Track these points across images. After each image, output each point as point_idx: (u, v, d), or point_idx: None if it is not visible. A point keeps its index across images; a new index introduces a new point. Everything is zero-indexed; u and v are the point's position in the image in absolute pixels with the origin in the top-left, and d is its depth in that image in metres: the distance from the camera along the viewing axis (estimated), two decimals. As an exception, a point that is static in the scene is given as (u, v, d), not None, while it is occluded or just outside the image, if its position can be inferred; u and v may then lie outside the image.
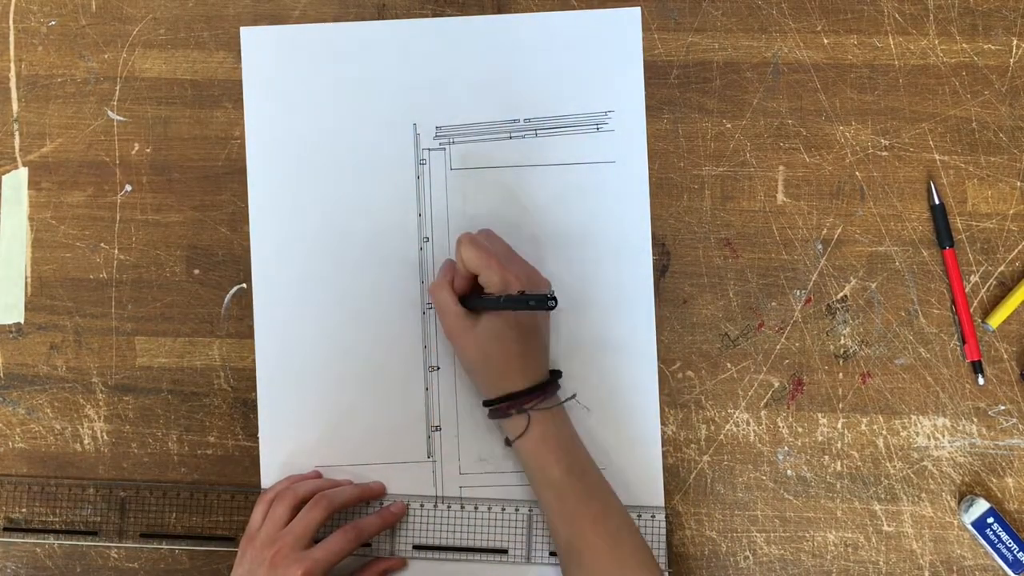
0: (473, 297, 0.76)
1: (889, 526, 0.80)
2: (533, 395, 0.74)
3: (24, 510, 0.82)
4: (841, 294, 0.81)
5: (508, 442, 0.76)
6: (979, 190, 0.81)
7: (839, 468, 0.80)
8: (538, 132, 0.82)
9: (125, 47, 0.84)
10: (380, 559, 0.80)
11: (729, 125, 0.82)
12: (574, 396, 0.80)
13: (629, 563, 0.72)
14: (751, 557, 0.80)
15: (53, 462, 0.83)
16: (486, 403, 0.76)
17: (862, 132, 0.81)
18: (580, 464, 0.75)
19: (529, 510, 0.80)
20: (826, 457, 0.80)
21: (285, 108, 0.83)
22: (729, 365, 0.81)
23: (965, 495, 0.80)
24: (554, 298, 0.68)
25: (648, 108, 0.82)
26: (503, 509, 0.80)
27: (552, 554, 0.79)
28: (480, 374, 0.76)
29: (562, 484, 0.73)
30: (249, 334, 0.82)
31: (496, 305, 0.73)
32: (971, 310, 0.80)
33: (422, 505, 0.80)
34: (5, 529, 0.82)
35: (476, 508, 0.80)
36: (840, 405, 0.81)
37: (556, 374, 0.78)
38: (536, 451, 0.74)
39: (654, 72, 0.82)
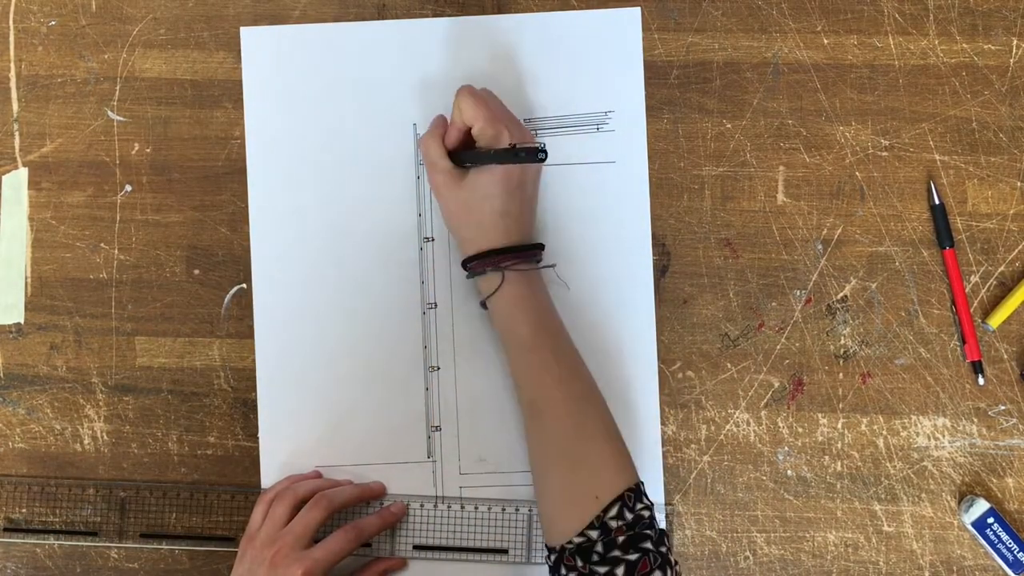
0: (463, 151, 0.76)
1: (889, 526, 0.80)
2: (509, 254, 0.74)
3: (24, 510, 0.82)
4: (841, 294, 0.81)
5: (483, 304, 0.77)
6: (979, 190, 0.81)
7: (839, 468, 0.80)
8: (538, 132, 0.82)
9: (125, 47, 0.84)
10: (380, 559, 0.80)
11: (729, 125, 0.82)
12: (554, 265, 0.79)
13: (588, 428, 0.71)
14: (751, 557, 0.80)
15: (53, 462, 0.83)
16: (464, 262, 0.76)
17: (862, 132, 0.82)
18: (550, 327, 0.75)
19: (529, 510, 0.80)
20: (826, 457, 0.80)
21: (285, 108, 0.83)
22: (729, 365, 0.81)
23: (965, 495, 0.80)
24: (544, 151, 0.68)
25: (648, 108, 0.82)
26: (503, 509, 0.80)
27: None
28: (462, 229, 0.76)
29: (530, 344, 0.73)
30: (249, 334, 0.82)
31: (486, 158, 0.73)
32: (971, 310, 0.80)
33: (422, 505, 0.80)
34: (5, 529, 0.82)
35: (476, 508, 0.80)
36: (840, 405, 0.81)
37: (538, 245, 0.77)
38: (508, 311, 0.74)
39: (654, 72, 0.82)
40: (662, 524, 0.79)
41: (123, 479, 0.82)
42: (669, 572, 0.67)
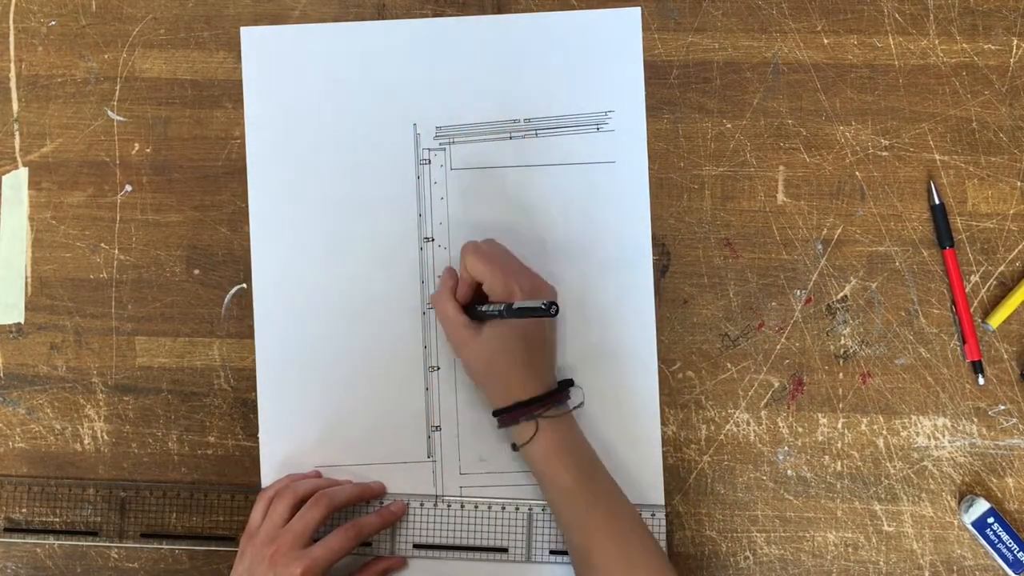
0: (476, 306, 0.76)
1: (889, 526, 0.80)
2: (542, 403, 0.74)
3: (24, 510, 0.82)
4: (841, 294, 0.81)
5: (515, 447, 0.76)
6: (979, 190, 0.81)
7: (839, 468, 0.80)
8: (538, 132, 0.82)
9: (125, 47, 0.84)
10: (380, 558, 0.80)
11: (729, 125, 0.82)
12: (581, 404, 0.79)
13: (638, 563, 0.72)
14: (751, 557, 0.80)
15: (53, 462, 0.83)
16: (495, 412, 0.76)
17: (862, 132, 0.82)
18: (589, 469, 0.75)
19: (529, 509, 0.80)
20: (826, 457, 0.80)
21: (285, 108, 0.83)
22: (729, 365, 0.81)
23: (965, 495, 0.80)
24: (555, 304, 0.68)
25: (648, 108, 0.82)
26: (503, 508, 0.80)
27: (552, 552, 0.79)
28: (487, 384, 0.76)
29: (571, 490, 0.73)
30: (249, 334, 0.82)
31: (499, 314, 0.73)
32: (971, 310, 0.80)
33: (422, 504, 0.80)
34: (5, 530, 0.82)
35: (476, 507, 0.80)
36: (840, 405, 0.81)
37: (566, 383, 0.78)
38: (545, 458, 0.74)
39: (654, 72, 0.82)
40: (661, 526, 0.79)
41: (123, 479, 0.82)
42: None
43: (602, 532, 0.72)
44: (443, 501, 0.80)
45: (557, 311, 0.68)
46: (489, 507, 0.80)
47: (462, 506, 0.80)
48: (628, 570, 0.71)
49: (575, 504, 0.73)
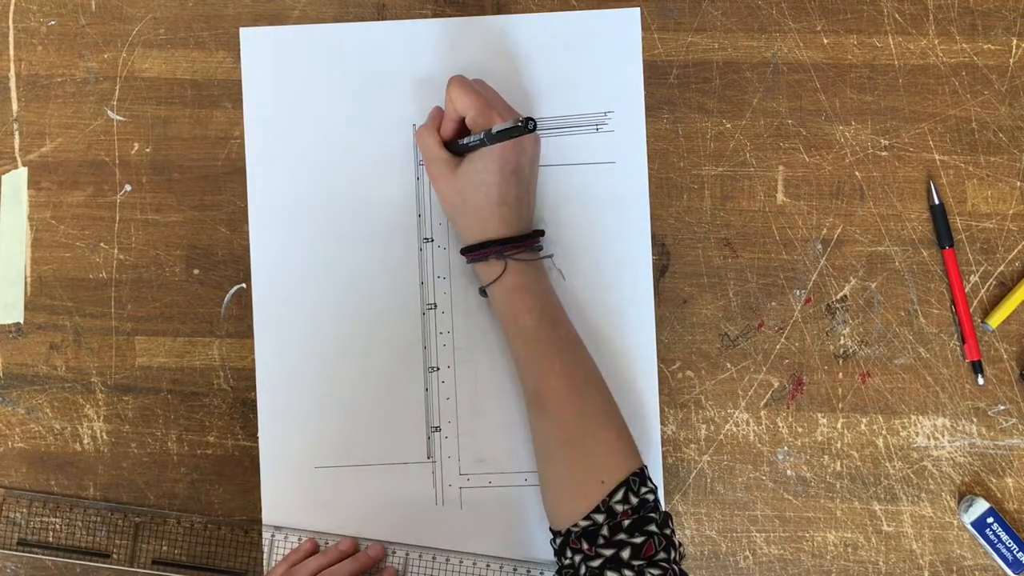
0: (457, 141, 0.76)
1: (889, 526, 0.80)
2: (511, 244, 0.74)
3: (34, 525, 0.82)
4: (841, 294, 0.81)
5: (482, 291, 0.77)
6: (979, 190, 0.81)
7: (839, 468, 0.80)
8: (538, 133, 0.82)
9: (125, 47, 0.84)
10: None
11: (729, 125, 0.82)
12: (551, 256, 0.79)
13: (592, 414, 0.72)
14: (751, 557, 0.80)
15: (53, 462, 0.83)
16: (464, 250, 0.76)
17: (862, 132, 0.82)
18: (552, 315, 0.75)
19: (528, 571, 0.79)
20: (826, 457, 0.80)
21: (285, 108, 0.83)
22: (729, 365, 0.81)
23: (965, 495, 0.80)
24: (532, 119, 0.66)
25: (648, 108, 0.82)
26: (501, 567, 0.79)
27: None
28: (460, 219, 0.76)
29: (532, 332, 0.74)
30: (249, 334, 0.82)
31: (477, 142, 0.72)
32: (971, 310, 0.80)
33: (421, 555, 0.80)
34: (19, 544, 0.82)
35: (474, 564, 0.79)
36: (840, 405, 0.81)
37: (538, 232, 0.77)
38: (509, 298, 0.74)
39: (654, 72, 0.82)
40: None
41: (123, 479, 0.82)
42: (673, 553, 0.68)
43: (557, 377, 0.72)
44: (441, 554, 0.79)
45: (535, 126, 0.67)
46: (488, 564, 0.79)
47: (460, 561, 0.79)
48: (578, 418, 0.71)
49: (533, 347, 0.73)
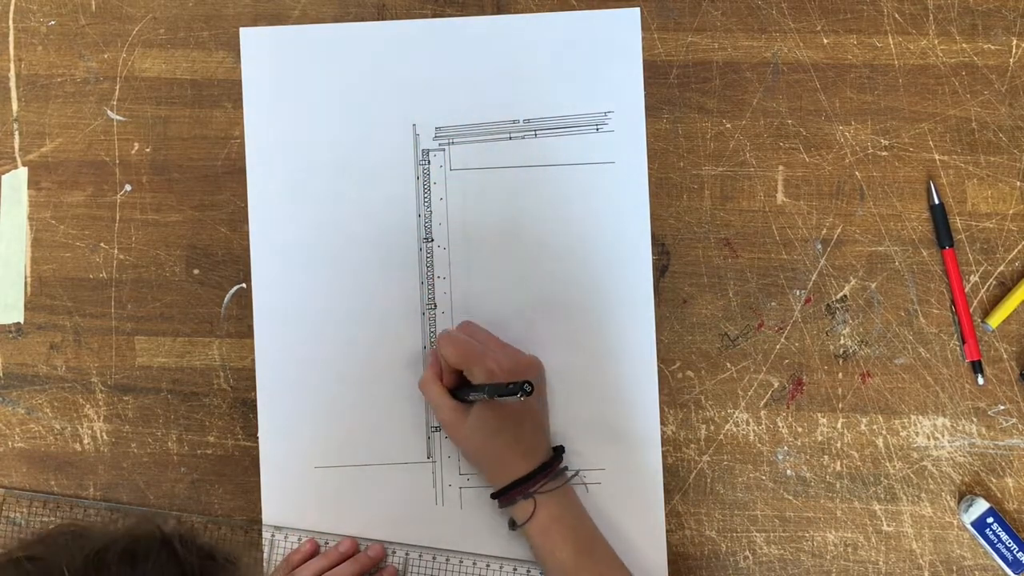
0: (461, 389, 0.77)
1: (889, 526, 0.80)
2: (536, 479, 0.74)
3: (35, 527, 0.82)
4: (841, 294, 0.81)
5: (513, 525, 0.76)
6: (979, 190, 0.81)
7: (839, 468, 0.80)
8: (538, 133, 0.82)
9: (125, 47, 0.84)
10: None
11: (729, 125, 0.82)
12: (577, 473, 0.78)
13: None
14: (751, 557, 0.80)
15: (53, 462, 0.83)
16: (493, 495, 0.76)
17: (862, 132, 0.82)
18: (588, 544, 0.74)
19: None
20: (826, 457, 0.80)
21: (285, 108, 0.83)
22: (729, 365, 0.81)
23: (965, 495, 0.80)
24: (528, 383, 0.66)
25: (648, 108, 0.82)
26: (500, 567, 0.79)
27: None
28: (481, 465, 0.77)
29: (572, 565, 0.73)
30: (249, 334, 0.82)
31: (479, 396, 0.73)
32: (971, 310, 0.80)
33: (421, 555, 0.80)
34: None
35: (475, 563, 0.79)
36: (840, 405, 0.81)
37: (558, 450, 0.78)
38: (544, 534, 0.74)
39: (654, 72, 0.82)
40: (662, 525, 0.79)
41: (123, 479, 0.82)
42: None
43: None
44: (441, 554, 0.79)
45: (532, 390, 0.66)
46: (487, 564, 0.79)
47: (460, 561, 0.79)
48: None
49: None
